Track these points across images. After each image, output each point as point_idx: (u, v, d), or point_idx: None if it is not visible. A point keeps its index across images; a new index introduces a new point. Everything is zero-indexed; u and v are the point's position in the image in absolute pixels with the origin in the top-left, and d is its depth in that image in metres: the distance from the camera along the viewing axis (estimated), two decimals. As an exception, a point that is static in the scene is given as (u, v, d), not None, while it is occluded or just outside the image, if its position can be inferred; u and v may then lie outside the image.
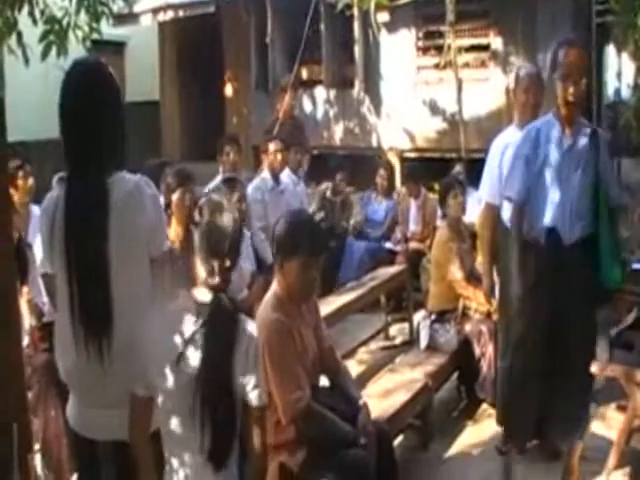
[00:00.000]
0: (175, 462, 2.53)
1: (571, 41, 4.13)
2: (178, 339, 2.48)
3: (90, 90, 2.67)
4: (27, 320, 4.29)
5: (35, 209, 5.50)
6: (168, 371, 2.48)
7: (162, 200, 4.21)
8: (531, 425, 4.35)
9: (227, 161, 6.82)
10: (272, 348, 3.30)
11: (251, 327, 2.58)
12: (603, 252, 4.13)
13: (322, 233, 3.94)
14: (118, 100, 2.74)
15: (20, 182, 5.23)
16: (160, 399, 2.53)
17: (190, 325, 2.50)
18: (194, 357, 2.47)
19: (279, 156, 7.04)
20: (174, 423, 2.50)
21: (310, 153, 8.34)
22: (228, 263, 2.53)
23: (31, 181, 5.29)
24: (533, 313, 4.22)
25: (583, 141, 4.15)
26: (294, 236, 3.39)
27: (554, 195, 4.13)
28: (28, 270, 4.46)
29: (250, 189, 6.80)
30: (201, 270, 2.54)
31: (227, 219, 2.54)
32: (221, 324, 2.48)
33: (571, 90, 4.01)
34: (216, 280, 2.52)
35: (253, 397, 2.52)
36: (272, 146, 7.05)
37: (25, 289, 4.34)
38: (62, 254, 2.62)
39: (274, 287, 3.53)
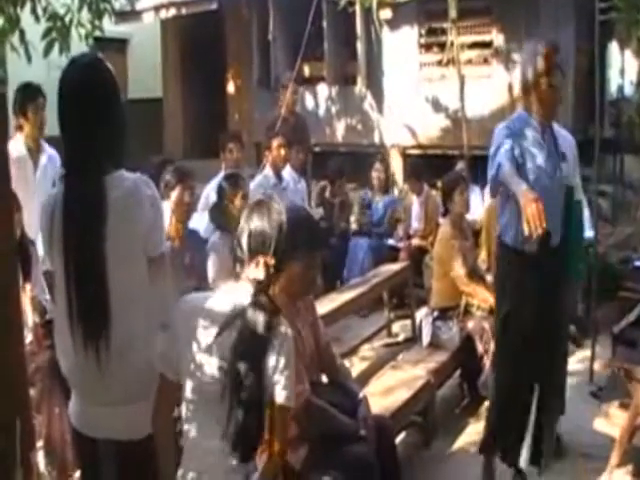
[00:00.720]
0: (197, 452, 2.53)
1: (551, 44, 4.02)
2: (213, 327, 2.48)
3: (86, 87, 2.63)
4: (30, 317, 4.29)
5: (47, 147, 5.55)
6: (200, 359, 2.48)
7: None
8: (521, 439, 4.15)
9: (230, 158, 6.82)
10: None
11: (285, 326, 2.57)
12: (573, 249, 4.12)
13: (321, 230, 3.94)
14: (115, 97, 2.69)
15: (30, 115, 5.28)
16: (188, 387, 2.52)
17: (224, 315, 2.49)
18: (226, 348, 2.46)
19: (282, 152, 7.04)
20: (201, 412, 2.51)
21: (311, 151, 8.33)
22: (273, 261, 2.52)
23: (43, 115, 5.34)
24: (530, 323, 4.04)
25: (558, 142, 4.15)
26: (293, 234, 3.37)
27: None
28: (31, 267, 4.47)
29: (253, 186, 6.80)
30: (245, 268, 2.55)
31: (276, 218, 2.56)
32: (258, 322, 2.47)
33: (556, 93, 3.99)
34: (260, 275, 2.51)
35: (282, 396, 2.50)
36: (275, 143, 7.05)
37: (28, 286, 4.35)
38: (60, 252, 2.62)
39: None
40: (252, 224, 2.56)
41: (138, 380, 2.59)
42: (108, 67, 2.69)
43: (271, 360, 2.47)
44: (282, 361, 2.49)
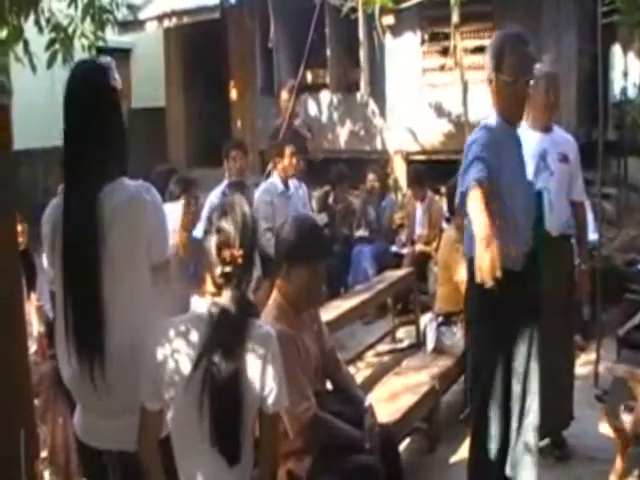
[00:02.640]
0: (189, 469, 2.51)
1: (520, 34, 3.70)
2: (190, 350, 2.43)
3: (84, 95, 2.63)
4: (35, 326, 4.31)
5: None
6: (180, 382, 2.44)
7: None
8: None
9: (233, 166, 6.84)
10: None
11: (266, 329, 2.54)
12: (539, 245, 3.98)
13: (326, 239, 3.93)
14: (112, 103, 2.67)
15: None
16: (172, 410, 2.48)
17: (202, 333, 2.44)
18: (207, 366, 2.41)
19: (293, 161, 7.06)
20: (187, 432, 2.46)
21: (306, 158, 8.29)
22: (240, 252, 2.45)
23: None
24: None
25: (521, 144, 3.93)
26: (300, 243, 3.35)
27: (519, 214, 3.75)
28: (35, 276, 4.49)
29: (259, 192, 6.85)
30: (212, 271, 2.49)
31: (240, 213, 2.51)
32: (230, 327, 2.43)
33: (527, 92, 3.64)
34: (228, 268, 2.44)
35: (274, 406, 2.48)
36: (287, 151, 7.06)
37: (33, 295, 4.37)
38: (60, 261, 2.63)
39: (275, 295, 3.47)
40: (217, 225, 2.50)
41: (137, 394, 2.54)
42: (106, 73, 2.66)
43: (255, 366, 2.43)
44: (270, 369, 2.45)
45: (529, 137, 4.62)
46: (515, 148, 3.71)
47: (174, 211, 4.25)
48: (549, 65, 5.06)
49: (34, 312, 4.39)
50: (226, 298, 2.45)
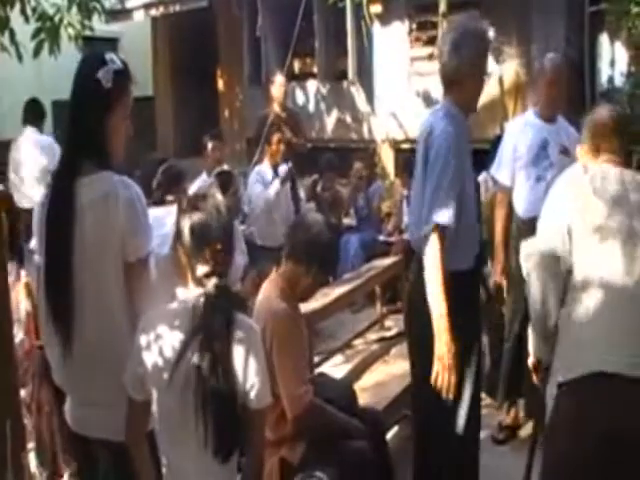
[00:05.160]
0: (174, 460, 2.48)
1: (480, 24, 3.51)
2: (175, 340, 2.40)
3: (73, 87, 2.64)
4: (23, 306, 4.22)
5: None
6: (164, 373, 2.40)
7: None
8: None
9: (213, 157, 6.92)
10: (282, 339, 3.25)
11: (249, 322, 2.50)
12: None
13: (337, 254, 3.99)
14: (96, 96, 2.62)
15: None
16: (156, 401, 2.45)
17: (186, 324, 2.41)
18: (192, 357, 2.37)
19: (281, 147, 7.06)
20: (173, 423, 2.43)
21: (307, 146, 8.36)
22: (219, 246, 2.42)
23: None
24: None
25: None
26: (314, 250, 3.44)
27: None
28: (23, 255, 4.41)
29: (250, 179, 6.87)
30: (193, 265, 2.45)
31: (212, 204, 2.47)
32: (216, 318, 2.38)
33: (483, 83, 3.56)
34: (206, 268, 2.41)
35: (257, 401, 2.43)
36: (274, 138, 7.07)
37: (23, 272, 4.30)
38: (42, 249, 2.63)
39: (277, 278, 3.52)
40: (191, 219, 2.44)
41: (118, 384, 2.50)
42: (94, 65, 2.62)
43: (238, 359, 2.39)
44: (253, 363, 2.40)
45: (532, 124, 4.80)
46: (467, 139, 3.55)
47: (168, 214, 4.19)
48: (558, 57, 5.10)
49: (22, 290, 4.31)
50: (210, 288, 2.40)
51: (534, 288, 2.85)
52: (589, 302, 2.72)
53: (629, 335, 2.69)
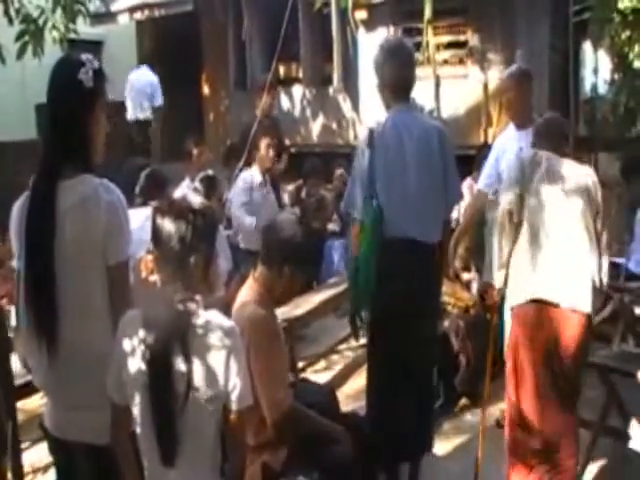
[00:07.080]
0: (153, 464, 2.46)
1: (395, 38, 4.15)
2: (142, 344, 2.39)
3: (49, 89, 2.63)
4: None
5: None
6: (136, 378, 2.40)
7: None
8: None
9: (197, 162, 6.95)
10: (260, 345, 3.24)
11: (229, 324, 2.45)
12: None
13: (313, 248, 4.02)
14: (78, 98, 2.62)
15: None
16: (136, 405, 2.43)
17: (162, 328, 2.38)
18: (169, 360, 2.35)
19: (270, 152, 7.00)
20: (152, 426, 2.41)
21: (287, 152, 8.34)
22: (181, 253, 2.40)
23: None
24: None
25: None
26: (304, 249, 3.44)
27: None
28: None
29: (237, 183, 6.83)
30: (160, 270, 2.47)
31: (180, 210, 2.45)
32: (171, 322, 2.36)
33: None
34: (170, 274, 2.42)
35: (239, 402, 2.41)
36: (263, 142, 7.01)
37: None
38: (22, 252, 2.61)
39: (253, 284, 3.49)
40: (163, 226, 2.44)
41: (98, 388, 2.50)
42: (75, 67, 2.61)
43: (218, 361, 2.36)
44: (233, 364, 2.38)
45: (510, 135, 5.07)
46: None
47: (147, 220, 4.16)
48: (522, 63, 5.24)
49: None
50: (169, 293, 2.41)
51: (496, 234, 3.86)
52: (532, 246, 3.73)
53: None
